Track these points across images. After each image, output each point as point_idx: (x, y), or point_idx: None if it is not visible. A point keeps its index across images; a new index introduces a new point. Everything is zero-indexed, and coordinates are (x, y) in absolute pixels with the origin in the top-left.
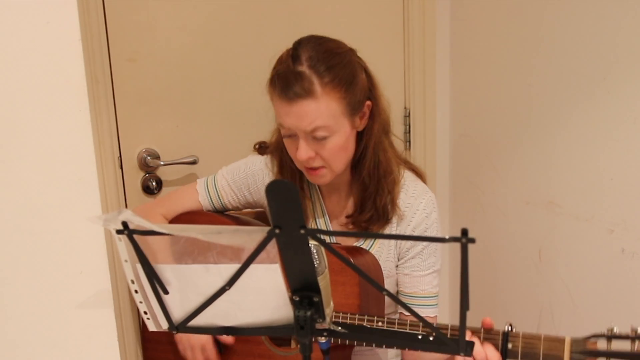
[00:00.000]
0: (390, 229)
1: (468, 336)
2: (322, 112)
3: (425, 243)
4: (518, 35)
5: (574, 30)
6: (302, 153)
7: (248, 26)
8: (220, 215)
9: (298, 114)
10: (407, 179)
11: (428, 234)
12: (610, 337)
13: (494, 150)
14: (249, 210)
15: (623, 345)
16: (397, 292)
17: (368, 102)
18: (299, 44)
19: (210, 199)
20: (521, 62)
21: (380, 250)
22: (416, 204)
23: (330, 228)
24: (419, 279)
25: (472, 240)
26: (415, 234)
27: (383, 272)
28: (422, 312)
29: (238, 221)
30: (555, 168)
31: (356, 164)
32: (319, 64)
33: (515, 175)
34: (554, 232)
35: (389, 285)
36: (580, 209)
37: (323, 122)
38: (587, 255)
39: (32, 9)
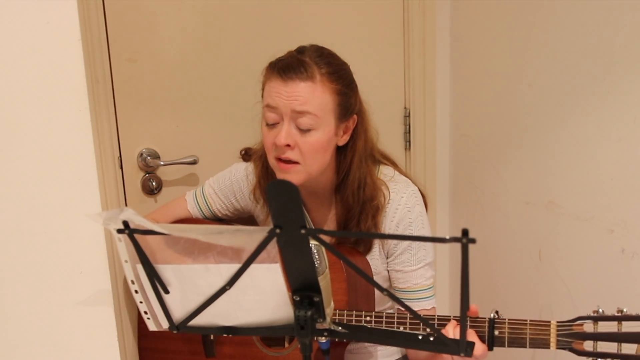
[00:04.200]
0: (373, 244)
1: (452, 326)
2: (315, 99)
3: None
4: (518, 35)
5: (574, 30)
6: (283, 136)
7: (248, 26)
8: (211, 222)
9: (292, 92)
10: (387, 176)
11: (413, 227)
12: (597, 318)
13: (494, 150)
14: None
15: (609, 327)
16: (389, 287)
17: (355, 117)
18: (302, 47)
19: (200, 207)
20: (521, 62)
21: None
22: (397, 199)
23: None
24: (411, 273)
25: (473, 241)
26: (400, 229)
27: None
28: (419, 305)
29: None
30: (555, 168)
31: (340, 183)
32: (321, 59)
33: (515, 175)
34: (554, 232)
35: (377, 280)
36: (580, 209)
37: (313, 109)
38: (587, 255)
39: (32, 9)
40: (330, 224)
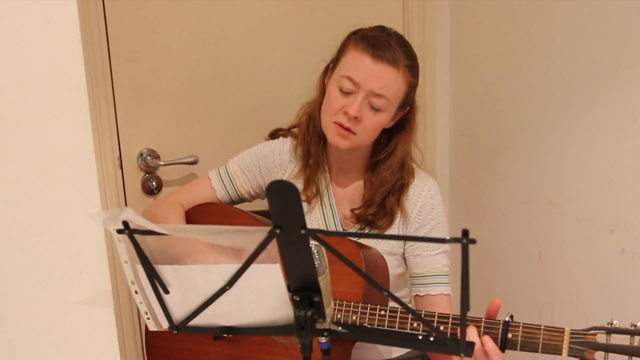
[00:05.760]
0: (394, 221)
1: (472, 330)
2: (394, 86)
3: (433, 223)
4: (518, 35)
5: (574, 31)
6: (356, 108)
7: (248, 26)
8: (234, 207)
9: (377, 73)
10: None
11: (434, 214)
12: (610, 330)
13: (494, 150)
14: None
15: (622, 340)
16: (404, 272)
17: (408, 107)
18: (386, 28)
19: (224, 184)
20: (521, 62)
21: None
22: (421, 185)
23: (336, 210)
24: (430, 258)
25: (473, 241)
26: (422, 213)
27: (386, 248)
28: (436, 289)
29: (249, 215)
30: (555, 168)
31: (379, 160)
32: (405, 49)
33: (515, 175)
34: (554, 232)
35: (391, 262)
36: (580, 209)
37: (389, 94)
38: (587, 255)
39: (32, 9)
40: (356, 198)
